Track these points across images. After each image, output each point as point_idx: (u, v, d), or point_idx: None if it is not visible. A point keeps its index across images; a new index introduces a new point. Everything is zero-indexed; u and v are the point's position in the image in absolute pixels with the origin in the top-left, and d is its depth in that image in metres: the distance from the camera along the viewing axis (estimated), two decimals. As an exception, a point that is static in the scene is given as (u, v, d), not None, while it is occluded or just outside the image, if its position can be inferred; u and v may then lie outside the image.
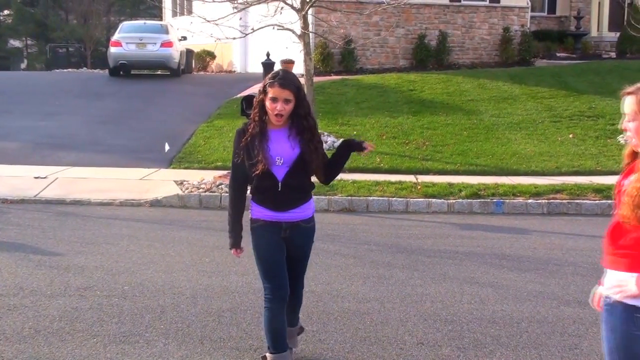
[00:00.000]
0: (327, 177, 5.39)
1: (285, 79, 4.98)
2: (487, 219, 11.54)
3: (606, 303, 3.59)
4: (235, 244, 5.28)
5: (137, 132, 17.17)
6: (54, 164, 14.35)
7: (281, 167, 5.00)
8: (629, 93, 3.55)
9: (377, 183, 12.76)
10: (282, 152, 5.00)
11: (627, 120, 3.55)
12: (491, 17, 26.85)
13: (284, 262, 5.19)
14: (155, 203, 11.78)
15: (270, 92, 4.94)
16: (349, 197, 12.09)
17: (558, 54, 27.38)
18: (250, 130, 5.03)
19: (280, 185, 5.01)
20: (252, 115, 5.08)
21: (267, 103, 4.96)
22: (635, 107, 3.50)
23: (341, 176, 13.02)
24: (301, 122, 5.03)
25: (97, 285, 7.56)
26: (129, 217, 10.98)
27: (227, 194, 11.76)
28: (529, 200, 12.17)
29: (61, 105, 20.50)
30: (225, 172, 13.25)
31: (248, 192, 5.22)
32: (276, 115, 4.95)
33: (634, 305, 3.43)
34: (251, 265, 8.15)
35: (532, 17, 28.71)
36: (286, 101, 4.94)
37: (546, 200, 12.20)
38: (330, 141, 15.23)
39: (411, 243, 9.70)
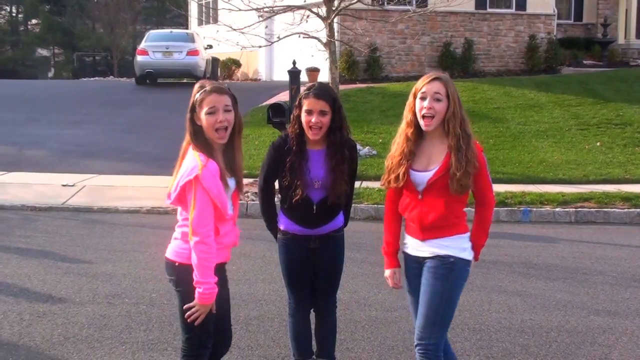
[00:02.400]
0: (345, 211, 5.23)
1: (320, 89, 4.83)
2: (515, 227, 11.48)
3: (446, 262, 4.37)
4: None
5: (163, 140, 17.22)
6: (81, 172, 14.45)
7: (318, 189, 4.89)
8: (437, 78, 4.35)
9: (369, 193, 12.68)
10: (319, 175, 4.86)
11: (433, 98, 4.29)
12: (517, 24, 26.75)
13: (308, 276, 5.15)
14: (182, 211, 11.81)
15: (305, 104, 4.78)
16: (375, 205, 12.06)
17: (585, 62, 27.25)
18: (292, 149, 4.86)
19: (315, 207, 4.92)
20: (290, 132, 4.92)
21: (303, 116, 4.79)
22: (444, 90, 4.31)
23: (367, 184, 13.01)
24: (331, 135, 4.85)
25: (125, 293, 7.60)
26: (156, 224, 11.04)
27: (253, 202, 11.79)
28: (557, 209, 12.10)
29: (88, 114, 20.66)
30: (251, 180, 13.27)
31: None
32: (311, 128, 4.76)
33: (468, 260, 4.43)
34: (278, 273, 8.14)
35: (558, 25, 28.58)
36: (322, 113, 4.75)
37: (574, 209, 12.12)
38: (355, 149, 15.22)
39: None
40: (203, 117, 4.21)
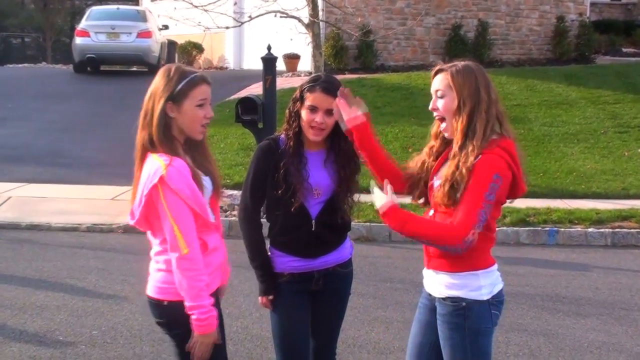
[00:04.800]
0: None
1: (330, 82, 4.71)
2: (538, 251, 11.52)
3: (458, 307, 4.30)
4: (268, 289, 4.83)
5: (107, 141, 17.20)
6: (5, 180, 14.38)
7: (315, 201, 4.76)
8: (440, 70, 4.38)
9: (402, 206, 12.68)
10: (320, 181, 4.75)
11: (438, 96, 4.35)
12: (542, 3, 26.85)
13: (308, 338, 4.93)
14: (130, 228, 11.75)
15: (309, 99, 4.65)
16: (368, 224, 12.07)
17: (624, 49, 27.43)
18: (289, 150, 4.73)
19: (314, 223, 4.76)
20: (285, 130, 4.80)
21: (304, 113, 4.66)
22: (446, 82, 4.32)
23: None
24: (339, 142, 4.76)
25: (60, 330, 7.57)
26: (98, 245, 11.00)
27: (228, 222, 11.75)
28: (589, 229, 12.15)
29: (14, 109, 20.56)
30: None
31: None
32: (313, 127, 4.66)
33: (485, 300, 4.30)
34: (247, 305, 8.17)
35: (592, 5, 28.71)
36: (328, 112, 4.63)
37: (610, 229, 12.17)
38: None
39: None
40: (188, 108, 4.19)
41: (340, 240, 4.94)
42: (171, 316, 4.20)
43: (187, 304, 4.07)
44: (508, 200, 4.47)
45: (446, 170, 4.26)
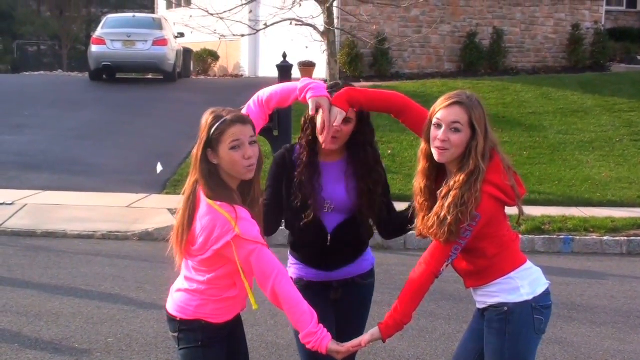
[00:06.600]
0: (389, 231, 5.02)
1: None
2: (553, 259, 11.47)
3: (500, 312, 4.32)
4: None
5: (123, 149, 17.24)
6: (21, 188, 14.43)
7: (332, 214, 4.67)
8: (458, 102, 4.19)
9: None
10: (333, 194, 4.64)
11: (450, 128, 4.17)
12: (557, 11, 26.82)
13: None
14: (145, 236, 11.81)
15: None
16: (383, 231, 12.04)
17: (640, 57, 27.34)
18: (301, 160, 4.64)
19: (329, 239, 4.68)
20: (300, 139, 4.71)
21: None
22: (466, 118, 4.17)
23: (373, 205, 12.99)
24: (358, 152, 4.68)
25: (75, 337, 7.59)
26: (113, 253, 11.01)
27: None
28: (605, 237, 12.12)
29: (31, 116, 20.62)
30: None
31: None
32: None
33: (527, 300, 4.30)
34: (262, 313, 8.16)
35: (607, 12, 28.64)
36: (345, 120, 4.52)
37: (626, 238, 12.13)
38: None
39: (459, 288, 9.60)
40: (224, 153, 4.09)
41: (359, 254, 4.87)
42: (181, 333, 4.30)
43: (300, 331, 4.17)
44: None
45: (452, 202, 4.19)
